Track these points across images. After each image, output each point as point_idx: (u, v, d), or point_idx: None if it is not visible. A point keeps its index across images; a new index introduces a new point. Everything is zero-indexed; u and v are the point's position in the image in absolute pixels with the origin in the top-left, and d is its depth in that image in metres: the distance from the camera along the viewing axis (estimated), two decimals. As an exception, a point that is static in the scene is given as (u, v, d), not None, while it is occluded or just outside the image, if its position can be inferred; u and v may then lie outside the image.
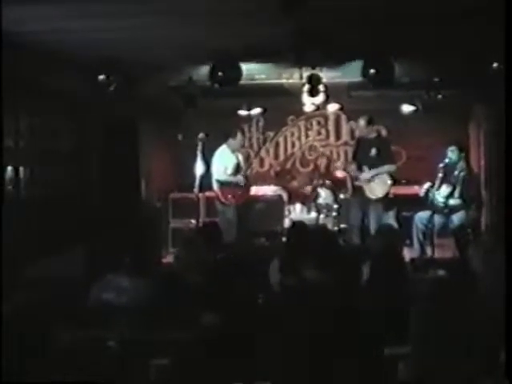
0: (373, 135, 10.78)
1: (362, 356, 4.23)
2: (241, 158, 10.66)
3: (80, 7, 6.43)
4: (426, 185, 10.27)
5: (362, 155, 10.64)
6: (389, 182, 10.45)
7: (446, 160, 10.08)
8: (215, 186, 10.35)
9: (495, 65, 8.81)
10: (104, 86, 9.15)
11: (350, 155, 12.00)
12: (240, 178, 10.32)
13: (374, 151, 10.52)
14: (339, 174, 12.35)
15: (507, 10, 4.67)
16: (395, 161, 11.01)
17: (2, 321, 4.41)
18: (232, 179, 10.28)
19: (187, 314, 5.13)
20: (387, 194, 10.53)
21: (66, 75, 8.78)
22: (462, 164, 10.03)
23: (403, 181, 12.59)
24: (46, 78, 8.36)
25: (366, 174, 10.43)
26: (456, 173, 9.97)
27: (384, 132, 12.78)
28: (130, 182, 11.53)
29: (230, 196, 10.26)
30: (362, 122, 10.75)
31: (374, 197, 10.49)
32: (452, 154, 10.08)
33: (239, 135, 10.59)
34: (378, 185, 10.46)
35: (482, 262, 5.58)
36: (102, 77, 9.09)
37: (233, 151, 10.46)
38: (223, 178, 10.27)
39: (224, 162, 10.36)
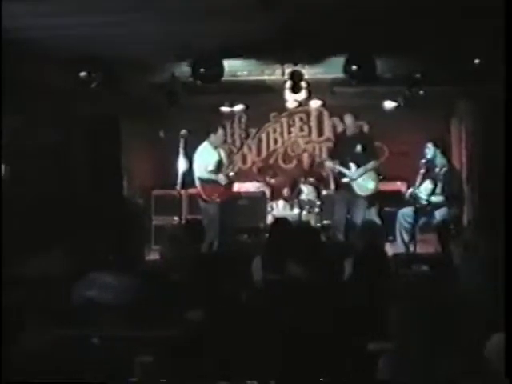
0: (356, 131, 10.81)
1: (345, 352, 4.25)
2: (223, 154, 10.62)
3: (61, 4, 6.41)
4: (409, 188, 10.36)
5: (346, 152, 10.64)
6: (377, 177, 10.50)
7: (428, 156, 10.13)
8: (197, 183, 10.32)
9: (477, 61, 8.85)
10: (86, 83, 9.12)
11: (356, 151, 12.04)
12: (221, 177, 10.27)
13: (359, 148, 10.54)
14: (324, 170, 12.38)
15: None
16: (379, 156, 11.04)
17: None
18: (214, 177, 10.25)
19: (171, 310, 5.13)
20: (376, 189, 10.58)
21: (47, 72, 8.75)
22: (441, 160, 10.07)
23: (380, 177, 12.65)
24: (27, 75, 8.32)
25: (355, 171, 10.46)
26: (437, 169, 10.02)
27: (366, 128, 12.83)
28: (113, 180, 11.50)
29: (212, 193, 10.23)
30: (349, 118, 10.77)
31: (363, 193, 10.53)
32: (429, 150, 10.13)
33: (220, 130, 10.55)
34: (366, 181, 10.49)
35: (463, 257, 5.62)
36: (83, 74, 9.06)
37: (215, 147, 10.43)
38: (205, 175, 10.23)
39: (205, 159, 10.32)
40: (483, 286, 4.82)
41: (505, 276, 3.97)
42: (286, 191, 12.60)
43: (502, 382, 3.44)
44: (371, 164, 10.51)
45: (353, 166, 10.48)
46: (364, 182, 10.48)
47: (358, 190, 10.52)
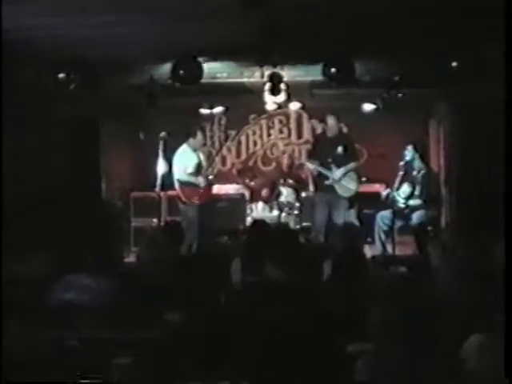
0: (337, 132, 10.83)
1: (324, 354, 4.26)
2: (202, 156, 10.60)
3: (41, 5, 6.39)
4: (387, 188, 10.38)
5: (327, 153, 10.65)
6: (358, 178, 10.52)
7: (407, 158, 10.18)
8: (176, 185, 10.30)
9: (455, 64, 8.91)
10: (65, 84, 9.08)
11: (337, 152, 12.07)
12: (200, 180, 10.25)
13: (340, 149, 10.56)
14: (304, 172, 12.41)
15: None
16: (359, 157, 11.06)
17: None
18: (193, 179, 10.23)
19: (149, 312, 5.12)
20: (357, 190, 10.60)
21: (26, 73, 8.71)
22: (419, 163, 10.13)
23: (364, 178, 12.69)
24: (5, 76, 8.28)
25: (337, 172, 10.48)
26: (415, 172, 10.08)
27: (345, 129, 12.86)
28: (92, 181, 11.46)
29: (191, 195, 10.21)
30: (331, 119, 10.77)
31: (345, 194, 10.55)
32: (408, 153, 10.18)
33: (199, 134, 10.53)
34: (348, 182, 10.51)
35: (441, 258, 5.65)
36: (62, 75, 9.02)
37: (194, 150, 10.41)
38: (184, 177, 10.21)
39: (184, 161, 10.30)
40: (461, 287, 4.85)
41: (505, 276, 3.99)
42: (265, 193, 12.60)
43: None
44: (352, 165, 10.53)
45: (334, 167, 10.49)
46: (346, 183, 10.50)
47: (340, 191, 10.53)
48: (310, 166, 10.92)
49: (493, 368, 3.59)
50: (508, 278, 3.95)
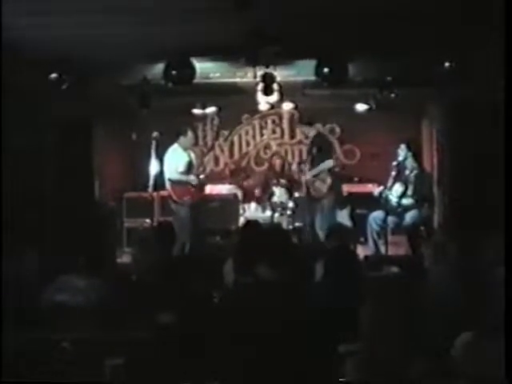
0: (313, 133, 10.87)
1: (316, 354, 4.26)
2: (193, 156, 10.59)
3: (32, 4, 6.38)
4: (380, 187, 10.38)
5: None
6: (329, 179, 10.47)
7: (399, 158, 10.19)
8: (168, 185, 10.29)
9: (447, 64, 8.92)
10: (56, 84, 9.07)
11: (304, 154, 12.07)
12: (192, 178, 10.26)
13: (315, 150, 10.62)
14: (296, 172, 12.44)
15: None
16: (332, 156, 10.92)
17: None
18: (184, 178, 10.23)
19: (142, 313, 5.11)
20: (333, 191, 10.54)
21: (17, 73, 8.68)
22: (412, 163, 10.14)
23: (356, 179, 12.72)
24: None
25: (309, 173, 10.52)
26: (408, 172, 10.08)
27: (321, 129, 12.90)
28: (84, 182, 11.44)
29: (182, 195, 10.21)
30: (310, 131, 10.88)
31: (317, 196, 10.56)
32: (401, 152, 10.19)
33: (190, 133, 10.51)
34: (319, 184, 10.51)
35: (434, 258, 5.65)
36: (54, 75, 9.01)
37: (184, 149, 10.40)
38: (175, 176, 10.21)
39: (175, 160, 10.30)
40: (453, 287, 4.86)
41: (505, 277, 4.00)
42: (257, 193, 12.60)
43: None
44: (322, 165, 10.50)
45: (306, 168, 10.59)
46: (317, 184, 10.50)
47: (312, 192, 10.58)
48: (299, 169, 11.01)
49: (485, 367, 3.59)
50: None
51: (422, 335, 4.02)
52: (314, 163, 10.55)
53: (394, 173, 10.15)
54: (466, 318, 3.88)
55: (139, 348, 4.63)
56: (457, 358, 3.78)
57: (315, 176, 10.46)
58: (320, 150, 10.54)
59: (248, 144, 14.19)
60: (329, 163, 10.45)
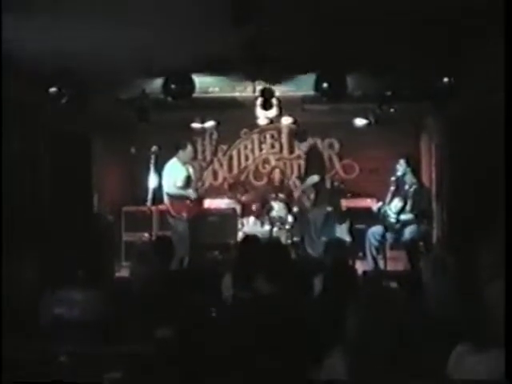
0: (306, 148, 10.91)
1: (314, 368, 4.24)
2: (191, 170, 10.61)
3: (31, 18, 6.39)
4: (379, 203, 10.39)
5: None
6: (312, 194, 10.50)
7: (398, 173, 10.19)
8: (166, 199, 10.30)
9: (446, 79, 8.94)
10: (56, 98, 9.07)
11: (302, 169, 12.09)
12: (190, 192, 10.27)
13: (305, 164, 10.71)
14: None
15: (506, 25, 4.72)
16: (321, 172, 10.93)
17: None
18: (182, 192, 10.23)
19: (140, 327, 5.09)
20: (317, 206, 10.55)
21: (17, 87, 8.69)
22: (411, 178, 10.14)
23: (353, 193, 12.73)
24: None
25: (298, 187, 10.60)
26: (407, 187, 10.08)
27: (320, 143, 12.92)
28: (83, 195, 11.44)
29: (180, 209, 10.20)
30: (303, 146, 10.92)
31: (305, 210, 10.62)
32: (400, 167, 10.20)
33: (189, 147, 10.54)
34: (305, 199, 10.55)
35: (433, 274, 5.63)
36: (53, 89, 9.01)
37: (183, 164, 10.42)
38: (173, 191, 10.22)
39: (174, 174, 10.31)
40: (453, 302, 4.85)
41: (505, 279, 3.99)
42: (256, 208, 12.59)
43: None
44: (310, 180, 10.53)
45: (298, 183, 10.68)
46: (304, 199, 10.55)
47: (301, 207, 10.66)
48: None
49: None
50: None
51: (420, 351, 3.99)
52: (306, 178, 10.63)
53: (392, 188, 10.15)
54: (466, 332, 3.86)
55: (137, 362, 4.60)
56: (454, 372, 3.77)
57: (303, 191, 10.52)
58: (312, 164, 10.59)
59: (247, 158, 14.21)
60: (312, 179, 10.48)
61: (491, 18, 6.24)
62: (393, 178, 10.20)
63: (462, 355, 3.75)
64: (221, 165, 14.16)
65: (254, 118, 11.26)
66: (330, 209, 10.86)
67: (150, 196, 10.38)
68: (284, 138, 14.06)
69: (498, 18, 5.24)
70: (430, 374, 3.84)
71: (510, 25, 4.72)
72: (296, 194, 10.78)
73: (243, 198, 12.81)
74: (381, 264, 10.04)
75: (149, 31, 7.09)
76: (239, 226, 12.25)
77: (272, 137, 14.14)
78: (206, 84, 9.73)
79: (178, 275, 7.81)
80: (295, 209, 11.98)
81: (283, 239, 11.63)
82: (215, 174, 14.11)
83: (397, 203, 10.05)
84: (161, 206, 10.76)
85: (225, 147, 14.11)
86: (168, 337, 5.12)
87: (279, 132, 14.04)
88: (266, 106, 9.90)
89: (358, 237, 11.07)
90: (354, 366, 4.05)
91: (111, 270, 9.54)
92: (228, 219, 12.26)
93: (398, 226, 10.01)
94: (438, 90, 9.24)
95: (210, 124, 12.73)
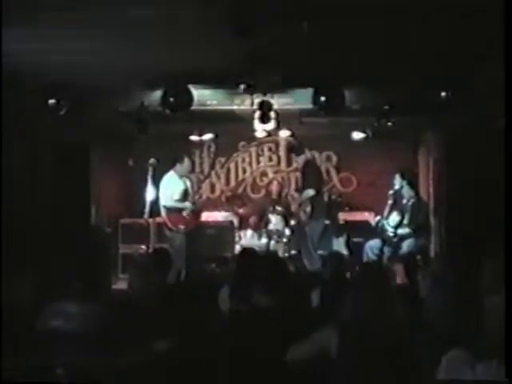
0: (303, 161, 10.92)
1: (312, 379, 4.23)
2: (189, 183, 10.60)
3: (30, 30, 6.40)
4: (377, 216, 10.41)
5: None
6: (308, 208, 10.50)
7: (396, 187, 10.20)
8: (163, 212, 10.29)
9: (444, 92, 8.96)
10: (54, 110, 9.08)
11: (300, 182, 12.09)
12: (187, 205, 10.26)
13: (301, 178, 10.74)
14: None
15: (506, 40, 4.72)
16: (317, 185, 10.92)
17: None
18: (179, 205, 10.23)
19: (137, 340, 5.08)
20: (314, 219, 10.56)
21: (15, 99, 8.69)
22: (409, 192, 10.15)
23: (351, 207, 12.72)
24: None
25: (296, 200, 10.63)
26: (405, 200, 10.09)
27: (318, 156, 12.93)
28: (80, 207, 11.43)
29: (177, 222, 10.19)
30: (298, 159, 10.94)
31: (302, 224, 10.65)
32: (396, 181, 10.21)
33: (186, 160, 10.54)
34: (302, 213, 10.56)
35: (430, 287, 5.63)
36: (52, 101, 9.02)
37: (180, 177, 10.41)
38: (170, 203, 10.21)
39: (171, 187, 10.30)
40: (451, 315, 4.84)
41: (505, 281, 3.99)
42: (253, 221, 12.58)
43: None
44: (305, 193, 10.55)
45: (296, 196, 10.71)
46: (301, 214, 10.56)
47: (299, 220, 10.71)
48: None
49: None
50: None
51: (417, 364, 3.99)
52: (303, 191, 10.65)
53: (390, 201, 10.17)
54: (464, 346, 3.85)
55: (134, 374, 4.59)
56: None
57: (300, 205, 10.53)
58: (309, 177, 10.60)
59: (244, 171, 14.20)
60: (308, 193, 10.49)
61: (490, 32, 6.26)
62: (390, 192, 10.21)
63: (457, 364, 3.74)
64: (218, 177, 14.15)
65: (252, 130, 11.27)
66: (327, 222, 10.84)
67: (147, 208, 10.37)
68: (282, 151, 14.04)
69: (497, 33, 5.25)
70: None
71: (509, 38, 4.73)
72: (293, 207, 10.79)
73: (241, 211, 12.80)
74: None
75: (148, 44, 7.11)
76: (236, 238, 12.23)
77: (270, 150, 14.13)
78: (204, 97, 9.74)
79: (175, 288, 7.79)
80: (292, 222, 11.98)
81: (280, 252, 11.62)
82: (213, 187, 14.09)
83: (394, 217, 10.07)
84: (158, 219, 10.74)
85: (223, 160, 14.11)
86: (165, 349, 5.10)
87: (277, 145, 14.03)
88: (264, 119, 9.91)
89: (356, 250, 11.07)
90: (352, 378, 4.05)
91: (108, 282, 9.52)
92: (225, 232, 12.24)
93: (395, 239, 10.02)
94: (435, 104, 9.25)
95: (208, 137, 12.73)
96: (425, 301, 5.46)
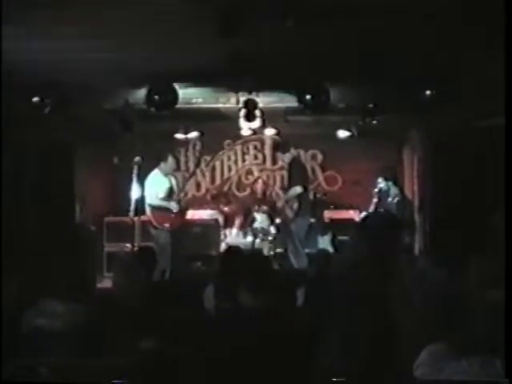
0: (289, 160, 10.90)
1: (297, 379, 4.24)
2: (174, 181, 10.57)
3: (15, 28, 6.36)
4: (362, 214, 10.43)
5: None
6: (295, 205, 10.49)
7: (381, 185, 10.23)
8: (148, 210, 10.26)
9: (428, 91, 8.98)
10: (39, 108, 9.04)
11: (286, 180, 12.10)
12: (172, 204, 10.23)
13: (287, 176, 10.74)
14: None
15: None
16: (304, 183, 10.92)
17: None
18: (165, 204, 10.20)
19: (122, 338, 5.07)
20: (300, 217, 10.56)
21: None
22: (393, 190, 10.18)
23: (336, 205, 12.74)
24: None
25: (282, 198, 10.64)
26: (390, 199, 10.12)
27: (303, 155, 12.93)
28: (65, 206, 11.39)
29: (163, 220, 10.17)
30: (284, 156, 10.90)
31: (287, 221, 10.65)
32: (380, 184, 10.25)
33: (170, 158, 10.49)
34: (288, 210, 10.56)
35: (416, 285, 5.65)
36: (36, 99, 8.98)
37: (165, 175, 10.38)
38: (155, 202, 10.18)
39: (156, 186, 10.28)
40: (437, 313, 4.86)
41: (505, 280, 4.02)
42: (239, 219, 12.59)
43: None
44: (292, 191, 10.54)
45: (281, 194, 10.70)
46: (287, 211, 10.56)
47: (284, 218, 10.68)
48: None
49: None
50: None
51: (405, 361, 4.00)
52: (289, 189, 10.64)
53: (375, 200, 10.19)
54: (452, 344, 3.86)
55: (119, 374, 4.58)
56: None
57: (286, 202, 10.52)
58: (295, 175, 10.60)
59: (230, 169, 14.21)
60: (295, 190, 10.48)
61: (474, 31, 6.29)
62: (375, 190, 10.24)
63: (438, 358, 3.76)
64: (204, 176, 14.15)
65: (238, 129, 11.27)
66: (312, 220, 10.85)
67: (132, 207, 10.35)
68: (267, 150, 14.06)
69: (482, 31, 5.29)
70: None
71: (491, 37, 4.76)
72: (279, 204, 10.78)
73: (226, 209, 12.81)
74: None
75: (133, 42, 7.09)
76: (222, 237, 12.24)
77: (255, 148, 14.15)
78: (189, 95, 9.74)
79: (160, 286, 7.79)
80: (278, 220, 11.99)
81: (266, 250, 11.64)
82: (198, 185, 14.09)
83: (380, 215, 10.09)
84: (143, 217, 10.72)
85: (208, 158, 14.11)
86: (150, 348, 5.10)
87: (262, 143, 14.05)
88: (250, 117, 9.92)
89: (342, 248, 11.09)
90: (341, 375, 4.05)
91: (93, 280, 9.50)
92: (211, 230, 12.26)
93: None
94: (420, 102, 9.27)
95: (193, 135, 12.72)
96: (410, 298, 5.49)
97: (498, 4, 4.82)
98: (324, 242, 11.26)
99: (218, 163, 14.19)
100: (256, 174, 14.10)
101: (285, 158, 10.96)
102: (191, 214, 11.81)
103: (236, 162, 14.21)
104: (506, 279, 4.01)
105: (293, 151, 11.32)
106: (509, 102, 4.56)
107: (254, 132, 12.28)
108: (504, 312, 3.71)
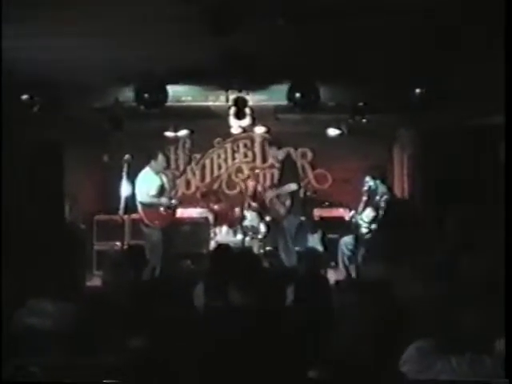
0: (282, 157, 10.90)
1: (286, 378, 4.24)
2: (165, 179, 10.56)
3: (4, 27, 6.34)
4: (350, 213, 10.45)
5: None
6: (288, 201, 10.49)
7: (370, 184, 10.24)
8: (139, 208, 10.25)
9: (418, 90, 9.00)
10: (27, 106, 9.01)
11: (276, 178, 12.11)
12: (163, 201, 10.23)
13: (279, 173, 10.75)
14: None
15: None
16: (298, 180, 10.91)
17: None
18: (156, 201, 10.20)
19: (112, 337, 5.07)
20: (292, 214, 10.55)
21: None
22: (382, 188, 10.19)
23: (326, 203, 12.75)
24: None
25: (269, 193, 10.64)
26: (378, 197, 10.13)
27: (293, 153, 12.93)
28: (54, 204, 11.37)
29: (154, 218, 10.17)
30: (278, 153, 10.90)
31: (275, 217, 10.65)
32: (367, 183, 10.25)
33: (160, 156, 10.47)
34: (279, 205, 10.55)
35: (405, 283, 5.66)
36: (25, 97, 8.95)
37: (156, 173, 10.37)
38: (146, 200, 10.17)
39: (146, 183, 10.27)
40: (427, 311, 4.87)
41: (505, 278, 4.03)
42: (229, 217, 12.59)
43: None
44: (285, 187, 10.53)
45: (269, 189, 10.69)
46: (277, 206, 10.55)
47: (273, 214, 10.68)
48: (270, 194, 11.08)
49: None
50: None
51: (395, 360, 4.01)
52: (280, 185, 10.65)
53: (365, 198, 10.21)
54: (439, 341, 3.88)
55: (110, 372, 4.58)
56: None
57: (277, 197, 10.52)
58: (288, 172, 10.60)
59: (220, 167, 14.20)
60: (290, 187, 10.47)
61: (465, 30, 6.31)
62: (365, 188, 10.25)
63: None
64: (194, 174, 14.14)
65: (228, 127, 11.27)
66: (302, 218, 10.85)
67: (122, 205, 10.33)
68: (257, 147, 14.07)
69: (473, 30, 5.30)
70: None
71: (482, 36, 4.78)
72: (269, 197, 10.76)
73: (216, 207, 12.80)
74: (353, 273, 10.07)
75: (122, 40, 7.08)
76: (212, 235, 12.24)
77: (245, 146, 14.15)
78: (179, 93, 9.72)
79: (150, 284, 7.79)
80: (268, 218, 11.99)
81: (256, 248, 11.64)
82: (188, 183, 14.08)
83: (369, 213, 10.11)
84: (133, 215, 10.70)
85: (198, 156, 14.10)
86: (140, 346, 5.10)
87: (252, 141, 14.05)
88: (239, 115, 9.91)
89: (331, 246, 11.10)
90: (329, 373, 4.06)
91: (82, 279, 9.49)
92: (201, 228, 12.26)
93: (369, 235, 10.06)
94: (410, 101, 9.29)
95: (183, 133, 12.71)
96: (399, 296, 5.50)
97: (497, 4, 4.84)
98: (314, 240, 11.26)
99: (207, 161, 14.18)
100: (246, 172, 14.10)
101: (279, 155, 10.95)
102: (181, 213, 11.80)
103: (226, 160, 14.20)
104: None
105: (284, 149, 11.34)
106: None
107: (244, 130, 12.28)
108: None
